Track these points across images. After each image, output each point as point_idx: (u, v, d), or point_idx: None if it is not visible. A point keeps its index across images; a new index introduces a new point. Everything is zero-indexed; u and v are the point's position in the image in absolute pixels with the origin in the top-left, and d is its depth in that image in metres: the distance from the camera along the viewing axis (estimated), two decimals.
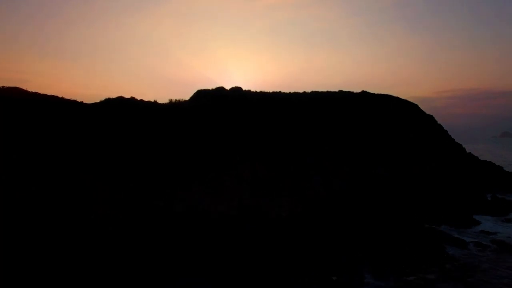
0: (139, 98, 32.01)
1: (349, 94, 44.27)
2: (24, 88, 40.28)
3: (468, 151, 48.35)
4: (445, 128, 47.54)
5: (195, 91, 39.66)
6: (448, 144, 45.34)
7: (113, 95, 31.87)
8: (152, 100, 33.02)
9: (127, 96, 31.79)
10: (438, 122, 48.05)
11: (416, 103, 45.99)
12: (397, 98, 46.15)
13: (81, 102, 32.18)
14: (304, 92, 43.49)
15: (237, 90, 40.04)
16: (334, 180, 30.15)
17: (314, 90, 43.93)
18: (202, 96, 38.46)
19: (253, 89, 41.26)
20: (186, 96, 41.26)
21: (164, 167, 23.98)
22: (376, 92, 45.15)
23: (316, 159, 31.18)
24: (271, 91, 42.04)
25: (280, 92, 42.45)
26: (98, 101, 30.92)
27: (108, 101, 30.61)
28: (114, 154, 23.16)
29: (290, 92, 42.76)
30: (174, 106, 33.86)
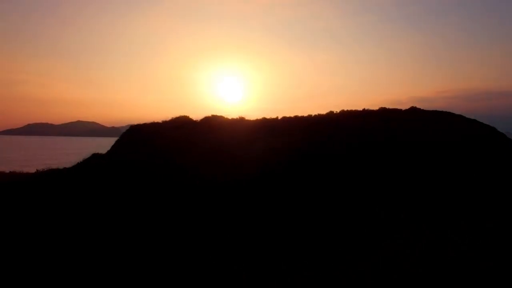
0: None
1: (394, 112, 27.98)
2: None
3: None
4: None
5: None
6: None
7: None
8: None
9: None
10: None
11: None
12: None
13: None
14: (331, 112, 28.20)
15: (213, 120, 23.69)
16: None
17: (345, 109, 28.69)
18: (134, 140, 19.94)
19: (247, 116, 26.69)
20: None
21: None
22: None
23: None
24: (279, 116, 26.99)
25: (296, 116, 27.64)
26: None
27: None
28: None
29: (304, 116, 27.85)
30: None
